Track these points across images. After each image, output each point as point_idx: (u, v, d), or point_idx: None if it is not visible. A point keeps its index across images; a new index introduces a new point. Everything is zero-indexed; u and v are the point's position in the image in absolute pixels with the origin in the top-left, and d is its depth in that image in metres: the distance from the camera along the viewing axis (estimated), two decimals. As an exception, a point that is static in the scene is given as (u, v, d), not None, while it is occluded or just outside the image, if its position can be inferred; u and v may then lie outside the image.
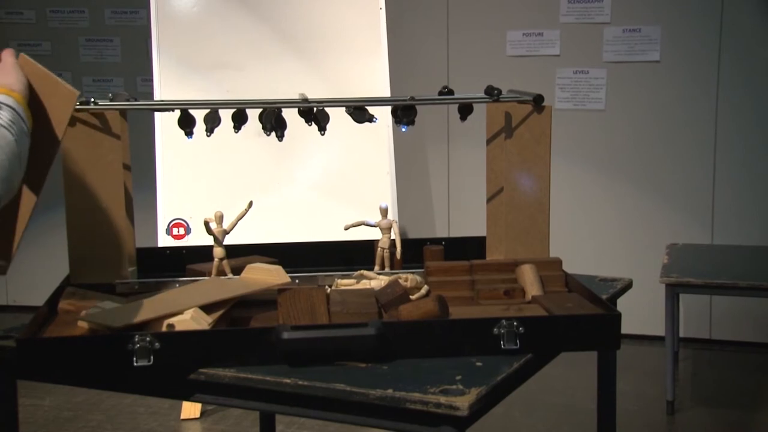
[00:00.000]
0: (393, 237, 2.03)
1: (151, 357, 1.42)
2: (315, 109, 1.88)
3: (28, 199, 1.45)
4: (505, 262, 1.85)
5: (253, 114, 1.90)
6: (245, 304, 1.70)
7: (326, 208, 3.54)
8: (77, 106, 1.81)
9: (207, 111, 1.90)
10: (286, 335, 1.43)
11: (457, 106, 1.94)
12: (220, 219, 1.99)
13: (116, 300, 1.73)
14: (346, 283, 1.82)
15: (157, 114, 3.49)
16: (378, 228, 2.05)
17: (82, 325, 1.55)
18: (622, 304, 1.87)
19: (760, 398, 3.74)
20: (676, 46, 4.31)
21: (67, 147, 1.82)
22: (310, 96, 1.89)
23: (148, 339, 1.42)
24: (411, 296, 1.67)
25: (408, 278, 1.76)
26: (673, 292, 3.39)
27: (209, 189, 3.54)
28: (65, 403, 3.71)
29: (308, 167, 3.65)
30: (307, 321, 1.58)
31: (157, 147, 3.57)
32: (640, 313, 4.16)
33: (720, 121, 4.29)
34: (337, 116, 1.92)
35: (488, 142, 2.01)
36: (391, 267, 2.01)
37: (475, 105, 1.93)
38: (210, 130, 1.90)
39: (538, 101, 1.87)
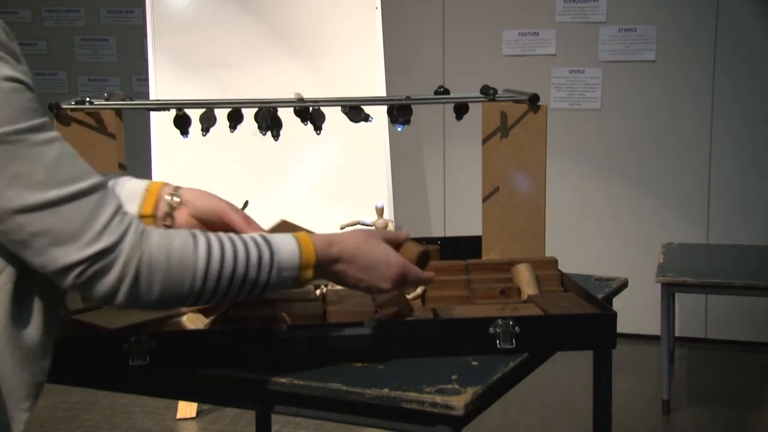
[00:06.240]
0: (389, 236, 2.03)
1: (148, 356, 1.42)
2: (311, 108, 1.88)
3: None
4: (500, 261, 1.85)
5: (248, 113, 1.90)
6: (242, 303, 1.70)
7: (322, 207, 3.53)
8: (72, 106, 1.81)
9: (203, 110, 1.90)
10: (282, 335, 1.43)
11: (452, 105, 1.94)
12: (215, 218, 1.98)
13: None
14: (342, 282, 1.81)
15: (152, 114, 3.49)
16: (374, 227, 2.05)
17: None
18: (618, 303, 1.87)
19: (756, 397, 3.75)
20: (671, 46, 4.32)
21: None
22: (306, 95, 1.89)
23: (144, 338, 1.42)
24: (407, 295, 1.67)
25: (404, 278, 1.75)
26: (669, 291, 3.39)
27: (205, 188, 3.52)
28: (61, 403, 3.71)
29: (304, 167, 3.64)
30: (303, 320, 1.58)
31: (152, 147, 3.57)
32: (636, 312, 4.18)
33: (715, 120, 4.29)
34: (333, 116, 1.92)
35: (484, 141, 2.01)
36: (387, 266, 2.01)
37: (470, 104, 1.93)
38: (206, 130, 1.90)
39: (533, 101, 1.87)
